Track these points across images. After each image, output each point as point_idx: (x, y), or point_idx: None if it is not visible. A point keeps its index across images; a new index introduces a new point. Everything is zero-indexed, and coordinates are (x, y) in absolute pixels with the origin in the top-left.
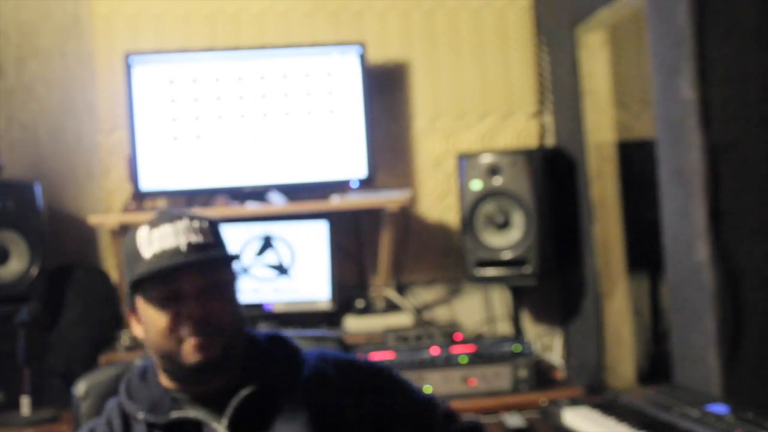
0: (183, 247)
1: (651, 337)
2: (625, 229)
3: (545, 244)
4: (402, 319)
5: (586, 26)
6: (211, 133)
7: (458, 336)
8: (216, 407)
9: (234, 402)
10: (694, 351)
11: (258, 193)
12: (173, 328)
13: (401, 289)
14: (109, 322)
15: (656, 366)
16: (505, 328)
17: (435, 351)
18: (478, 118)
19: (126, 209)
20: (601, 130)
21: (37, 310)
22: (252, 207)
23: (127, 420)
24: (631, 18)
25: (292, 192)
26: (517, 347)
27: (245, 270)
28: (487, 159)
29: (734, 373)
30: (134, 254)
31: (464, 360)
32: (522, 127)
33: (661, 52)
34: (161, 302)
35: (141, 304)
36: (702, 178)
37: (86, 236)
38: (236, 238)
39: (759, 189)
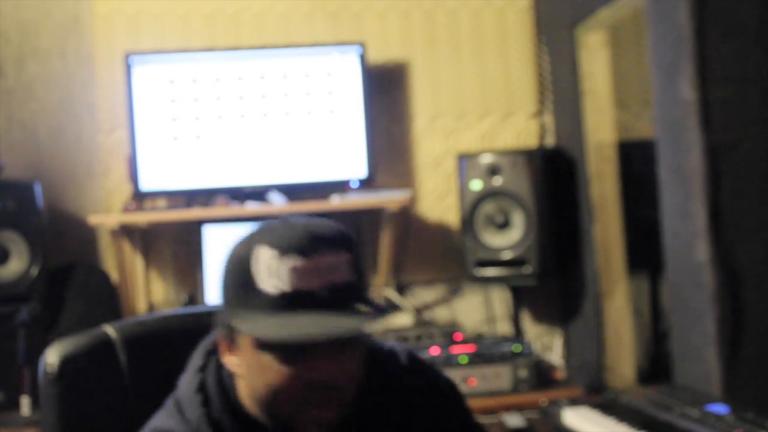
0: (319, 292)
1: (651, 337)
2: (625, 229)
3: (545, 244)
4: (402, 319)
5: (586, 26)
6: (211, 133)
7: (458, 336)
8: None
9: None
10: (694, 351)
11: (258, 193)
12: (292, 390)
13: (401, 289)
14: (109, 322)
15: (656, 366)
16: (505, 328)
17: (435, 351)
18: (478, 118)
19: (126, 209)
20: (601, 130)
21: (37, 310)
22: (252, 207)
23: None
24: (631, 18)
25: (292, 192)
26: (517, 347)
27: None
28: (487, 159)
29: (734, 373)
30: (246, 279)
31: (464, 360)
32: (522, 127)
33: (661, 52)
34: (281, 355)
35: (247, 344)
36: (702, 178)
37: (86, 236)
38: (236, 238)
39: (759, 189)
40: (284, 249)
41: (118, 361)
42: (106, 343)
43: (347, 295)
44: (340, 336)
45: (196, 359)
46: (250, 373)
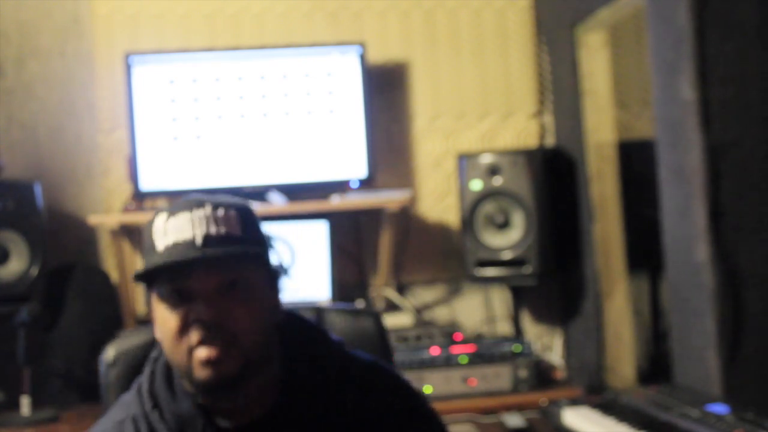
0: (198, 239)
1: (651, 337)
2: (625, 229)
3: (545, 244)
4: (402, 319)
5: (586, 26)
6: (211, 133)
7: (458, 336)
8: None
9: None
10: (694, 351)
11: (258, 193)
12: (182, 331)
13: (401, 289)
14: (109, 322)
15: (656, 366)
16: (505, 328)
17: (435, 351)
18: (478, 118)
19: (126, 209)
20: (601, 130)
21: (37, 310)
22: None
23: None
24: (631, 18)
25: (292, 192)
26: (517, 347)
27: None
28: (487, 159)
29: (734, 373)
30: (149, 245)
31: (464, 360)
32: (522, 127)
33: (661, 52)
34: (172, 301)
35: (154, 300)
36: (702, 178)
37: (86, 236)
38: None
39: (759, 189)
40: (173, 210)
41: None
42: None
43: (225, 241)
44: (200, 258)
45: (144, 370)
46: (158, 332)
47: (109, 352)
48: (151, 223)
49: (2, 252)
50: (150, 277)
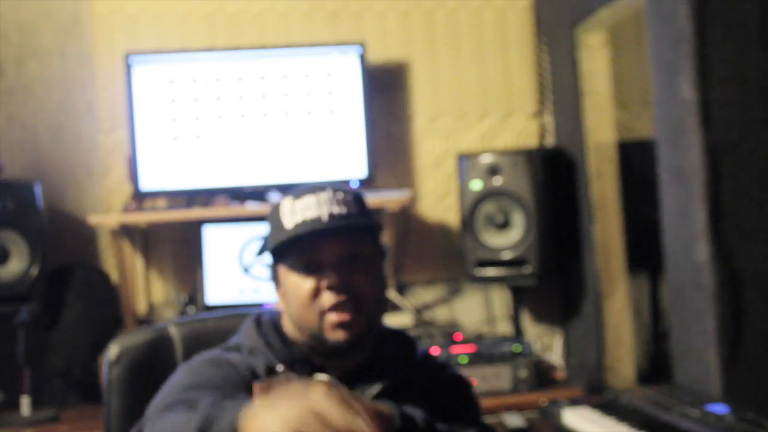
0: (325, 217)
1: (651, 337)
2: (625, 229)
3: (545, 244)
4: (402, 319)
5: (586, 26)
6: (211, 133)
7: (458, 336)
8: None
9: (370, 392)
10: (694, 351)
11: (258, 193)
12: (315, 295)
13: (401, 289)
14: (109, 322)
15: (656, 366)
16: (505, 328)
17: (435, 351)
18: (478, 118)
19: (126, 209)
20: (601, 130)
21: (37, 310)
22: (252, 207)
23: (269, 370)
24: (631, 18)
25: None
26: (517, 347)
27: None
28: (487, 159)
29: (734, 373)
30: (277, 225)
31: (464, 360)
32: (522, 127)
33: (661, 52)
34: (303, 269)
35: (283, 271)
36: (702, 178)
37: (86, 236)
38: (236, 238)
39: (759, 189)
40: (297, 194)
41: (174, 355)
42: (165, 338)
43: (347, 218)
44: (331, 228)
45: (246, 324)
46: (287, 299)
47: (113, 350)
48: (277, 206)
49: (2, 252)
50: (280, 251)
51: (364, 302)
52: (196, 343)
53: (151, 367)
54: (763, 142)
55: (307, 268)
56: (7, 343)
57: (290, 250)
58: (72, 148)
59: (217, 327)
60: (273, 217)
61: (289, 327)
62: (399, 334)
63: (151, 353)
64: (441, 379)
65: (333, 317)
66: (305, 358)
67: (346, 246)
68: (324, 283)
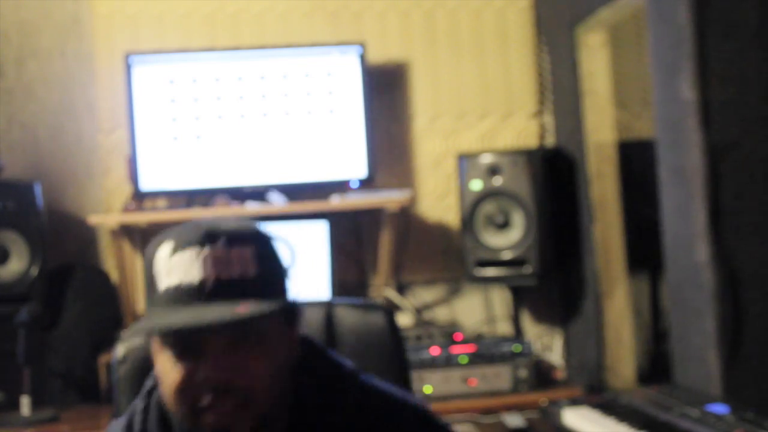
0: (208, 284)
1: (651, 337)
2: (625, 229)
3: (545, 244)
4: (402, 319)
5: (586, 26)
6: (211, 133)
7: (458, 336)
8: None
9: None
10: (694, 351)
11: (258, 193)
12: (186, 390)
13: (401, 289)
14: (109, 322)
15: (656, 366)
16: (505, 328)
17: (435, 351)
18: (478, 118)
19: (126, 209)
20: (601, 130)
21: (37, 310)
22: (252, 207)
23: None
24: (631, 18)
25: (292, 192)
26: (517, 347)
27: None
28: (487, 159)
29: (734, 373)
30: (150, 279)
31: (464, 360)
32: (522, 127)
33: (661, 52)
34: (174, 352)
35: (155, 345)
36: (702, 178)
37: (86, 236)
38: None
39: (759, 189)
40: (179, 245)
41: None
42: None
43: (238, 289)
44: (208, 326)
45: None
46: (159, 374)
47: (119, 350)
48: (153, 252)
49: (2, 252)
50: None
51: (254, 395)
52: None
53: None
54: (763, 142)
55: (179, 351)
56: (7, 343)
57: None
58: (72, 148)
59: None
60: (147, 265)
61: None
62: (328, 392)
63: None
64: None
65: (209, 418)
66: None
67: (236, 329)
68: (201, 374)
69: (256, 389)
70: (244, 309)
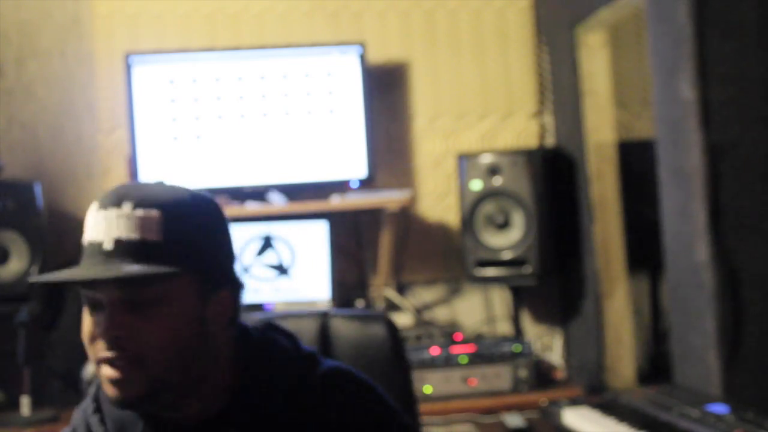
0: (108, 243)
1: (651, 337)
2: (625, 229)
3: (545, 244)
4: (402, 319)
5: (586, 26)
6: (211, 133)
7: (458, 336)
8: None
9: None
10: (694, 351)
11: (258, 193)
12: (91, 340)
13: (401, 289)
14: None
15: (656, 366)
16: (505, 328)
17: (435, 351)
18: (478, 118)
19: None
20: (601, 130)
21: (37, 310)
22: (252, 207)
23: None
24: (631, 18)
25: (292, 192)
26: (517, 347)
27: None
28: (487, 159)
29: (734, 373)
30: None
31: (464, 360)
32: (522, 127)
33: (661, 52)
34: (88, 306)
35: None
36: (702, 178)
37: None
38: (236, 238)
39: (759, 189)
40: (101, 204)
41: None
42: None
43: (137, 252)
44: (84, 280)
45: None
46: None
47: (89, 369)
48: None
49: (2, 252)
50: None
51: (146, 358)
52: None
53: None
54: (763, 142)
55: (89, 303)
56: (7, 343)
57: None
58: (72, 148)
59: None
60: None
61: None
62: (271, 369)
63: None
64: (341, 413)
65: (105, 370)
66: (137, 420)
67: (126, 288)
68: (96, 329)
69: (149, 353)
70: (128, 269)
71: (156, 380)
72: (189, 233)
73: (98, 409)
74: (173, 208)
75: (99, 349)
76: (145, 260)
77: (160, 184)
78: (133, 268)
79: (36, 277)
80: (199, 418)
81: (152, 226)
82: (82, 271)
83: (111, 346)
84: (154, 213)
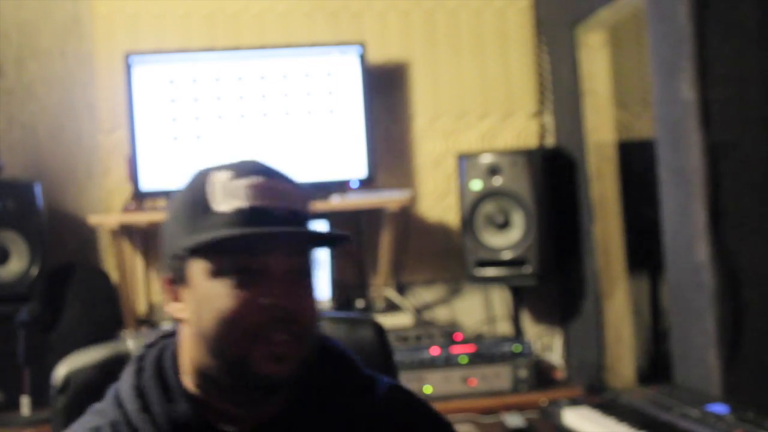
0: (280, 211)
1: (651, 337)
2: (625, 229)
3: (545, 244)
4: (402, 319)
5: (586, 26)
6: (211, 133)
7: (458, 336)
8: None
9: None
10: (694, 351)
11: None
12: (245, 313)
13: (401, 289)
14: (109, 322)
15: (656, 366)
16: (505, 328)
17: (435, 351)
18: (478, 118)
19: (126, 209)
20: (601, 130)
21: (37, 310)
22: None
23: None
24: (631, 18)
25: None
26: (517, 347)
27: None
28: (487, 159)
29: (734, 373)
30: (199, 203)
31: (464, 360)
32: (522, 127)
33: (661, 52)
34: (235, 275)
35: (200, 273)
36: (702, 178)
37: (86, 236)
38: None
39: (759, 189)
40: (240, 171)
41: None
42: (122, 356)
43: (300, 220)
44: (303, 233)
45: (138, 350)
46: (200, 309)
47: (59, 373)
48: (202, 178)
49: (2, 252)
50: (204, 244)
51: (308, 330)
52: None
53: (105, 393)
54: (763, 142)
55: (242, 273)
56: (7, 343)
57: (219, 244)
58: (72, 148)
59: None
60: (193, 190)
61: (185, 363)
62: (341, 363)
63: (105, 376)
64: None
65: (263, 350)
66: (195, 421)
67: (299, 256)
68: (264, 299)
69: (310, 327)
70: (321, 228)
71: (306, 357)
72: (311, 213)
73: (146, 408)
74: (309, 191)
75: (261, 322)
76: (305, 226)
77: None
78: (323, 228)
79: (201, 240)
80: (253, 422)
81: (304, 201)
82: (275, 221)
83: (284, 319)
84: (303, 190)
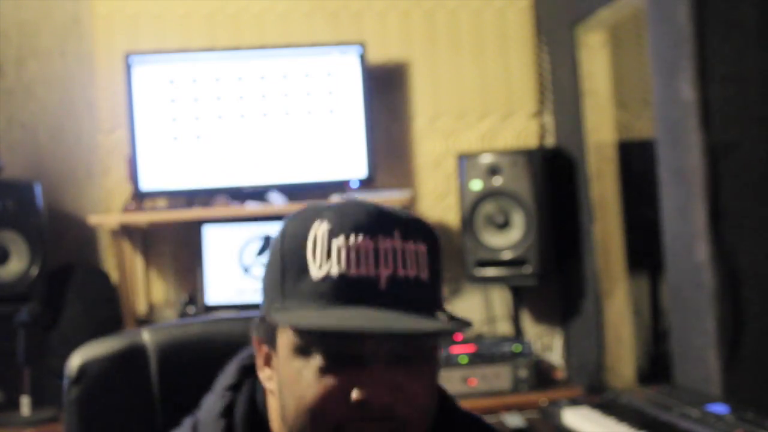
0: (383, 283)
1: (651, 337)
2: (625, 229)
3: (545, 244)
4: None
5: (586, 26)
6: (211, 133)
7: (458, 336)
8: None
9: None
10: (694, 351)
11: (258, 193)
12: (333, 408)
13: None
14: (109, 322)
15: (656, 366)
16: (505, 328)
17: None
18: (478, 118)
19: (126, 209)
20: (601, 130)
21: (37, 310)
22: (252, 207)
23: None
24: (631, 18)
25: (292, 192)
26: (517, 347)
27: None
28: (487, 159)
29: (734, 373)
30: (295, 260)
31: (464, 360)
32: (522, 127)
33: (661, 52)
34: (327, 360)
35: (285, 346)
36: (702, 178)
37: (86, 236)
38: (236, 238)
39: (759, 189)
40: (343, 225)
41: (148, 369)
42: (137, 348)
43: (417, 294)
44: (405, 332)
45: (227, 375)
46: (282, 388)
47: (73, 363)
48: (305, 226)
49: (2, 252)
50: (291, 311)
51: (408, 424)
52: (175, 354)
53: (119, 384)
54: (763, 142)
55: (333, 357)
56: (7, 343)
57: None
58: (72, 148)
59: (200, 334)
60: (291, 244)
61: (275, 423)
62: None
63: (119, 367)
64: None
65: None
66: None
67: (405, 338)
68: (356, 393)
69: (413, 419)
70: (443, 322)
71: None
72: (441, 266)
73: None
74: (433, 240)
75: (350, 416)
76: (420, 304)
77: (394, 206)
78: (445, 321)
79: (297, 322)
80: None
81: (422, 262)
82: (388, 319)
83: (378, 413)
84: (422, 246)
